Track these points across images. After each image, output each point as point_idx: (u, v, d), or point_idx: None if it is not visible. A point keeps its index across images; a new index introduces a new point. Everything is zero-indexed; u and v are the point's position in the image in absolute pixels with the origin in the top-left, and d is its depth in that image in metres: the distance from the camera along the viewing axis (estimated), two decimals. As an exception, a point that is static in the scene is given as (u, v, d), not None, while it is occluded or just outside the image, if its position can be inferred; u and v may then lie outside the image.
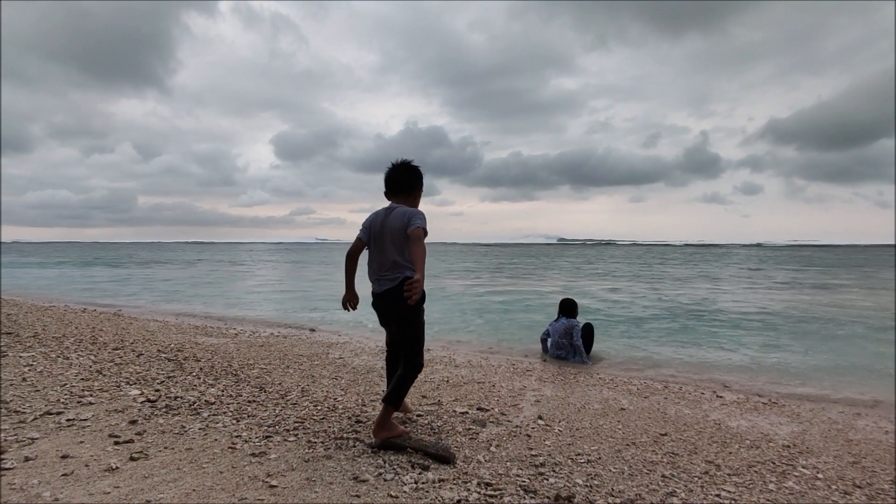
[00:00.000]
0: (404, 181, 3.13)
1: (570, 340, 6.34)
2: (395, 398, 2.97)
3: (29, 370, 4.57)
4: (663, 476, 2.84)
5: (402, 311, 2.90)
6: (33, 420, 3.26)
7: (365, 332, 8.90)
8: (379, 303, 3.05)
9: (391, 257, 2.93)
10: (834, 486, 2.84)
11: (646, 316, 11.32)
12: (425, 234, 2.84)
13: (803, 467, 3.10)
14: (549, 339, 6.66)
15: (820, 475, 2.99)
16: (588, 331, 6.51)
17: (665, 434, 3.62)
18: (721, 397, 4.92)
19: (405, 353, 3.02)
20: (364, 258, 3.15)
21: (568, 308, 6.54)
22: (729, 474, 2.93)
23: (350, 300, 3.19)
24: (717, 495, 2.63)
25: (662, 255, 63.32)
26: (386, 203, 3.16)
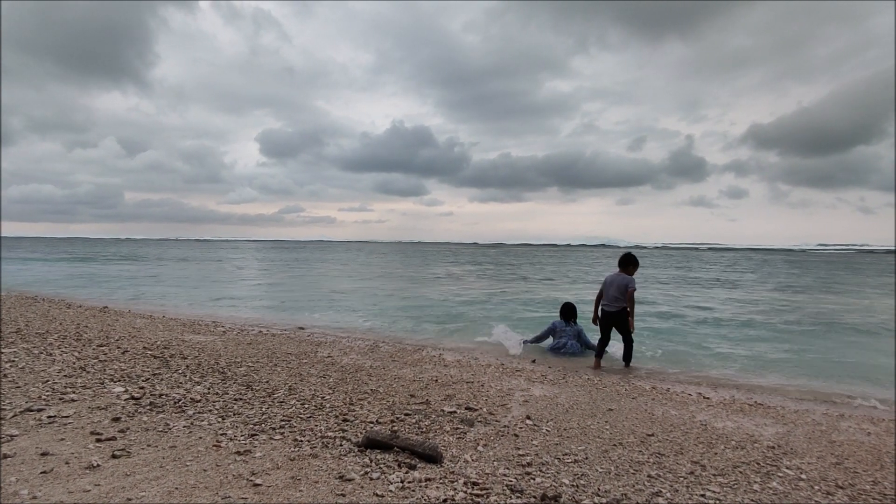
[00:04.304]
0: (628, 263, 6.33)
1: (579, 340, 7.37)
2: (630, 358, 6.46)
3: (10, 366, 4.49)
4: (649, 476, 2.85)
5: (623, 320, 6.26)
6: (13, 417, 3.20)
7: (354, 331, 8.87)
8: (611, 315, 6.31)
9: (616, 296, 6.23)
10: (817, 487, 2.87)
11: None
12: (634, 290, 6.21)
13: (787, 468, 3.13)
14: (555, 340, 7.37)
15: (803, 476, 3.02)
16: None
17: (652, 435, 3.64)
18: (707, 398, 4.96)
19: (626, 336, 6.35)
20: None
21: (572, 312, 7.50)
22: (714, 475, 2.95)
23: (596, 318, 6.56)
24: (703, 495, 2.64)
25: (689, 258, 61.39)
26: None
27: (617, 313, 6.24)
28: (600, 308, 6.46)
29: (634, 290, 6.19)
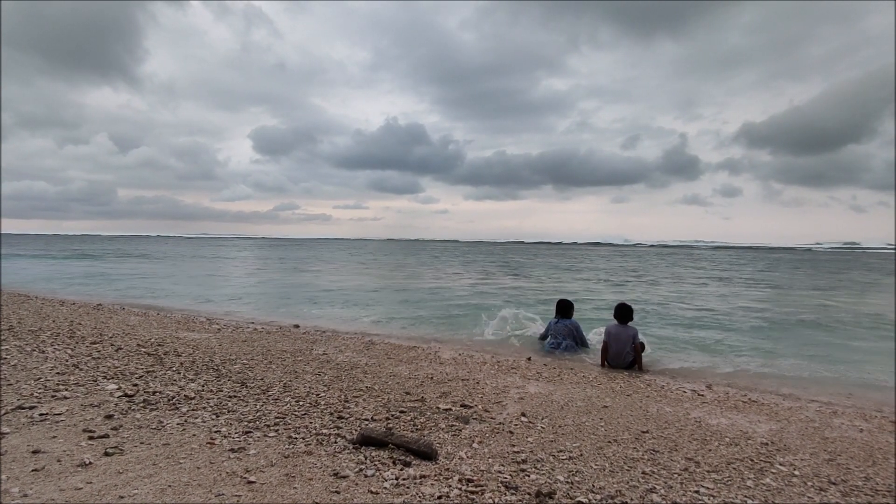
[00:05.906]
0: (625, 315, 6.42)
1: (573, 338, 7.19)
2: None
3: (2, 364, 4.45)
4: (644, 473, 2.86)
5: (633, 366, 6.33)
6: (4, 415, 3.18)
7: (349, 328, 8.85)
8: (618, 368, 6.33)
9: (627, 350, 6.26)
10: (810, 483, 2.88)
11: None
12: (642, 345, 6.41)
13: (780, 464, 3.15)
14: (550, 339, 7.31)
15: (796, 472, 3.04)
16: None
17: (646, 431, 3.65)
18: (702, 395, 4.98)
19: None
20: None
21: (567, 309, 7.31)
22: (708, 471, 2.96)
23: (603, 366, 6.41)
24: (696, 492, 2.65)
25: (693, 257, 59.86)
26: None
27: (624, 367, 6.26)
28: (606, 364, 6.38)
29: (641, 343, 6.34)
